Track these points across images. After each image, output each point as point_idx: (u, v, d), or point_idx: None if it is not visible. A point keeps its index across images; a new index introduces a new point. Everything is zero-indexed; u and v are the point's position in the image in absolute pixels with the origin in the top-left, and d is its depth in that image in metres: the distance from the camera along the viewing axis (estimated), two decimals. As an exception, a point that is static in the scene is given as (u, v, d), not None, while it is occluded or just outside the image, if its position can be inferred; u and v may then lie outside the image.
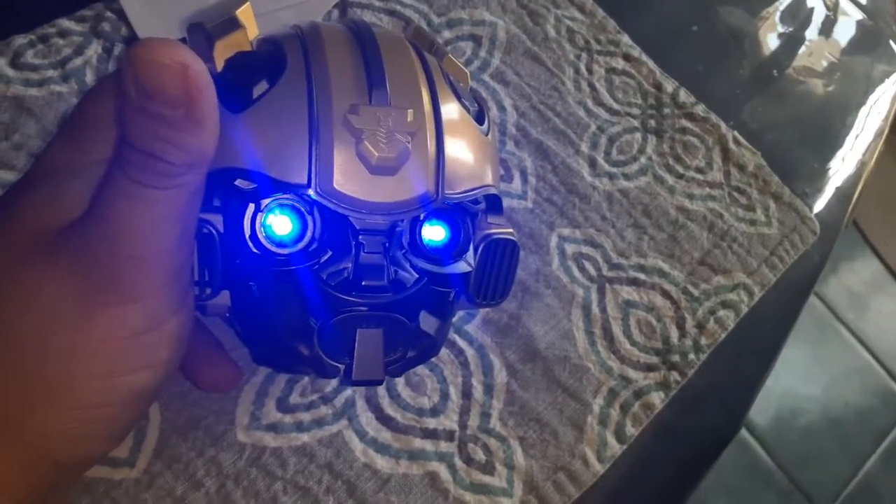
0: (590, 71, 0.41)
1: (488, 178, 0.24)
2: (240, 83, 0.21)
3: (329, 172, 0.20)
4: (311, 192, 0.20)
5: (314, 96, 0.21)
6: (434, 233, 0.23)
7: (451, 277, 0.24)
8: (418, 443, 0.30)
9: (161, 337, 0.19)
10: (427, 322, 0.24)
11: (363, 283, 0.22)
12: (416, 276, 0.23)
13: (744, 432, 1.21)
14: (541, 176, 0.38)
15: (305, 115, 0.20)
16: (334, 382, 0.30)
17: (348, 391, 0.30)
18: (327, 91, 0.21)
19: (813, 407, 1.27)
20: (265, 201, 0.21)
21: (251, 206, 0.21)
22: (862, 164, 0.46)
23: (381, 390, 0.31)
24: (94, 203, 0.17)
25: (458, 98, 0.24)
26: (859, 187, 0.46)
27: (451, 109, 0.23)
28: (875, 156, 0.48)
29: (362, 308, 0.22)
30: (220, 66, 0.22)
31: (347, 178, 0.20)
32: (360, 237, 0.21)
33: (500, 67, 0.40)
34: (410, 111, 0.21)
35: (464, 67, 0.28)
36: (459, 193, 0.22)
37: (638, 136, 0.40)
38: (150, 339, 0.19)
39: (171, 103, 0.16)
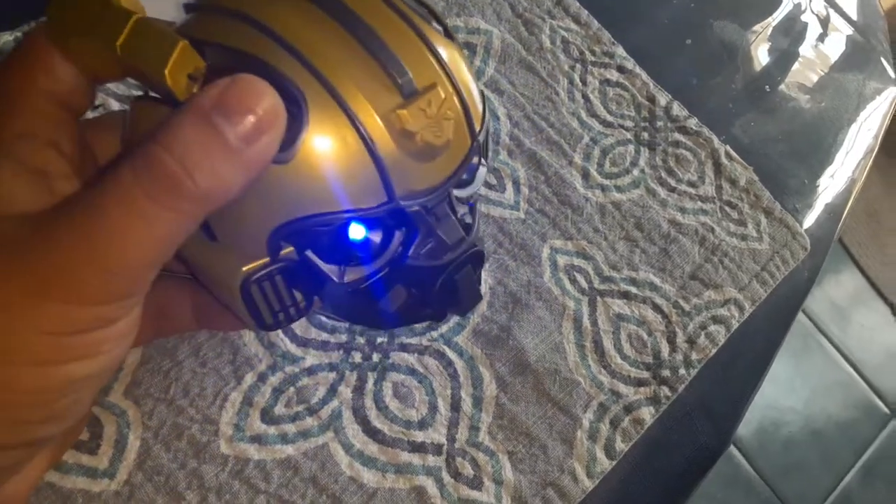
0: (584, 82, 0.41)
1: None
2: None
3: (404, 178, 0.21)
4: (398, 204, 0.21)
5: (349, 111, 0.19)
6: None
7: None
8: (405, 456, 0.30)
9: (108, 333, 0.18)
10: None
11: (448, 243, 0.24)
12: (468, 207, 0.26)
13: (727, 443, 1.22)
14: (534, 186, 0.37)
15: (355, 136, 0.19)
16: (320, 393, 0.30)
17: (335, 402, 0.30)
18: (358, 100, 0.19)
19: (795, 419, 1.28)
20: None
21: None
22: (852, 181, 0.46)
23: (369, 402, 0.30)
24: (74, 204, 0.16)
25: (437, 23, 0.23)
26: (849, 204, 0.46)
27: (442, 49, 0.22)
28: (865, 173, 0.48)
29: (455, 263, 0.24)
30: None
31: (417, 175, 0.21)
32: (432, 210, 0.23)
33: (494, 76, 0.40)
34: (440, 89, 0.21)
35: None
36: (483, 121, 0.23)
37: (631, 148, 0.40)
38: (96, 336, 0.18)
39: (238, 120, 0.16)
